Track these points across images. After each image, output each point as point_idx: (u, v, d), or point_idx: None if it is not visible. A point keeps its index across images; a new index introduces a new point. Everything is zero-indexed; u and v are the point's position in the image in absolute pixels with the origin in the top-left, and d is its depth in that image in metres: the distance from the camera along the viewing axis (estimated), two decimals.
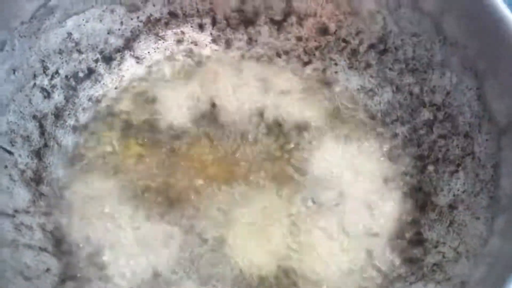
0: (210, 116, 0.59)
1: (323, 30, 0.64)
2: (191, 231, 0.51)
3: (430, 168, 0.54)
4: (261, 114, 0.60)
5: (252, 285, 0.49)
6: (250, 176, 0.55)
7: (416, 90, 0.58)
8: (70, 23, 0.58)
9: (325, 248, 0.51)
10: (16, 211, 0.49)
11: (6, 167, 0.51)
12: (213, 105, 0.60)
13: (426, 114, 0.57)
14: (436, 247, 0.48)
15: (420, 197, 0.53)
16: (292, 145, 0.58)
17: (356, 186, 0.56)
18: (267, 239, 0.51)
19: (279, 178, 0.55)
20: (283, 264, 0.50)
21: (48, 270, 0.47)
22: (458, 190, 0.50)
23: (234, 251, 0.50)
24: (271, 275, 0.49)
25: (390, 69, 0.60)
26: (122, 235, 0.51)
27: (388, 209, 0.54)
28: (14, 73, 0.54)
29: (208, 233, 0.51)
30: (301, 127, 0.59)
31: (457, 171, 0.52)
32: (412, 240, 0.51)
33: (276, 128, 0.59)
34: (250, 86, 0.62)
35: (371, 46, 0.61)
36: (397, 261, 0.50)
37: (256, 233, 0.52)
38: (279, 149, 0.57)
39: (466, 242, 0.46)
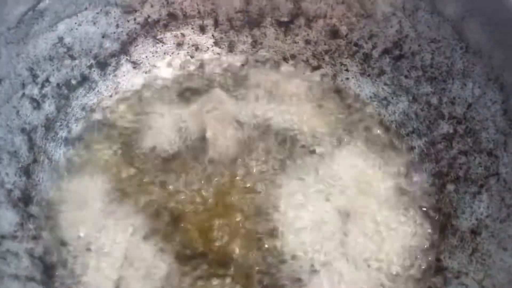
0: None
1: (334, 33, 0.59)
2: None
3: (450, 187, 0.50)
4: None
5: None
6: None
7: (434, 100, 0.54)
8: (61, 27, 0.54)
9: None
10: (2, 237, 0.45)
11: None
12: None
13: (445, 127, 0.53)
14: (457, 277, 0.45)
15: (439, 219, 0.50)
16: (299, 162, 0.54)
17: (368, 202, 0.52)
18: None
19: None
20: None
21: None
22: (482, 214, 0.46)
23: None
24: None
25: (406, 76, 0.56)
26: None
27: (404, 229, 0.50)
28: (0, 83, 0.49)
29: None
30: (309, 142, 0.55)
31: (480, 192, 0.48)
32: (431, 267, 0.47)
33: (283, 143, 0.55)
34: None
35: (386, 51, 0.57)
36: None
37: None
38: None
39: (492, 275, 0.42)
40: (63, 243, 0.48)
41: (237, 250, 0.48)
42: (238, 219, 0.50)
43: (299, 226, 0.49)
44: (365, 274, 0.47)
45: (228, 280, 0.47)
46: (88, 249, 0.48)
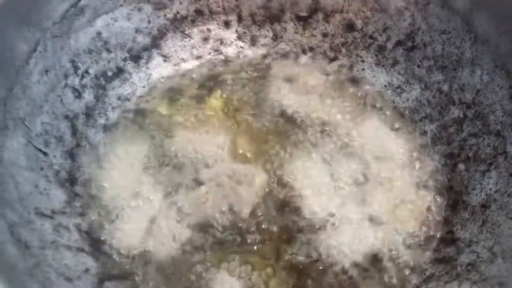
0: None
1: (350, 27, 0.63)
2: None
3: (461, 166, 0.54)
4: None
5: None
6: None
7: (445, 87, 0.58)
8: (99, 22, 0.58)
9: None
10: (53, 212, 0.50)
11: (42, 168, 0.51)
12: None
13: (455, 112, 0.57)
14: (469, 246, 0.49)
15: (451, 196, 0.54)
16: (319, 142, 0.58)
17: (385, 182, 0.56)
18: None
19: None
20: None
21: (87, 270, 0.47)
22: (491, 190, 0.50)
23: None
24: None
25: (418, 66, 0.60)
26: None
27: (419, 207, 0.54)
28: (46, 74, 0.54)
29: None
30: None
31: (489, 170, 0.52)
32: (444, 239, 0.51)
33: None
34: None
35: (399, 43, 0.61)
36: (431, 260, 0.50)
37: None
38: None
39: (501, 242, 0.46)
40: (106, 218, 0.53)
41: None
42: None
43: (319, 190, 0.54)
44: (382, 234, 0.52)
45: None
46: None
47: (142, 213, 0.52)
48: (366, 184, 0.55)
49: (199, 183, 0.54)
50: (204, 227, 0.52)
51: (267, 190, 0.54)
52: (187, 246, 0.51)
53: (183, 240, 0.51)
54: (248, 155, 0.57)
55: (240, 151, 0.57)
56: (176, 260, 0.50)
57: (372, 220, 0.53)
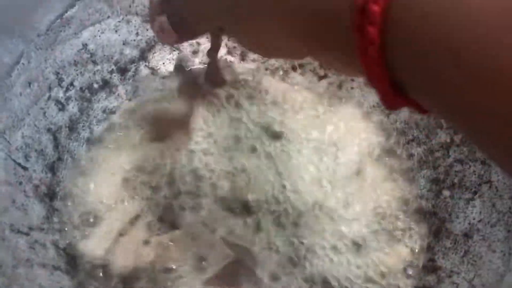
0: None
1: None
2: None
3: (446, 193, 0.54)
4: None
5: None
6: None
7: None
8: (85, 34, 0.58)
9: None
10: (30, 228, 0.49)
11: (21, 183, 0.51)
12: None
13: (442, 136, 0.56)
14: (450, 276, 0.48)
15: (435, 223, 0.53)
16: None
17: (369, 205, 0.55)
18: None
19: None
20: None
21: None
22: (474, 219, 0.50)
23: None
24: None
25: None
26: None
27: (401, 231, 0.54)
28: (29, 86, 0.53)
29: None
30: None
31: (473, 198, 0.51)
32: (425, 267, 0.51)
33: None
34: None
35: None
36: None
37: None
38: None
39: (482, 275, 0.46)
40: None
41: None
42: None
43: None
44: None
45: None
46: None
47: (119, 228, 0.52)
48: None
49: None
50: None
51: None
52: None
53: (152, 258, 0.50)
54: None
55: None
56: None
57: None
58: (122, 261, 0.50)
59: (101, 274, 0.50)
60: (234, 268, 0.50)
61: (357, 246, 0.52)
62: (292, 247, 0.52)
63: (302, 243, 0.52)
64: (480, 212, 0.50)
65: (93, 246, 0.51)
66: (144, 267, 0.50)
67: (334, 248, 0.52)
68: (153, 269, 0.49)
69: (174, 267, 0.50)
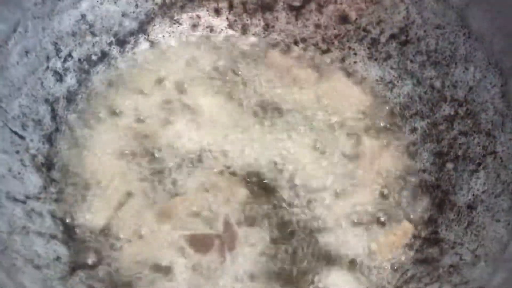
0: None
1: (343, 18, 0.62)
2: None
3: (450, 165, 0.53)
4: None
5: None
6: None
7: (437, 84, 0.56)
8: (84, 4, 0.57)
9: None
10: (27, 197, 0.48)
11: (17, 152, 0.50)
12: None
13: (446, 109, 0.55)
14: (453, 248, 0.47)
15: (438, 195, 0.52)
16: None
17: (372, 179, 0.54)
18: None
19: None
20: None
21: (58, 258, 0.46)
22: (478, 190, 0.49)
23: None
24: None
25: (411, 61, 0.59)
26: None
27: (404, 205, 0.53)
28: (26, 55, 0.52)
29: None
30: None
31: (477, 170, 0.50)
32: (428, 239, 0.50)
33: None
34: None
35: (392, 37, 0.60)
36: (412, 260, 0.49)
37: None
38: None
39: (485, 245, 0.45)
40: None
41: None
42: None
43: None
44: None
45: None
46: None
47: (117, 199, 0.51)
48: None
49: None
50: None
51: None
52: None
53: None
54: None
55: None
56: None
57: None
58: (121, 230, 0.50)
59: (99, 244, 0.49)
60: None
61: (360, 221, 0.52)
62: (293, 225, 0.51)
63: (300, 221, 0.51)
64: (484, 183, 0.49)
65: (91, 216, 0.51)
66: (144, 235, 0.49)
67: (338, 224, 0.51)
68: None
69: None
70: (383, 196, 0.54)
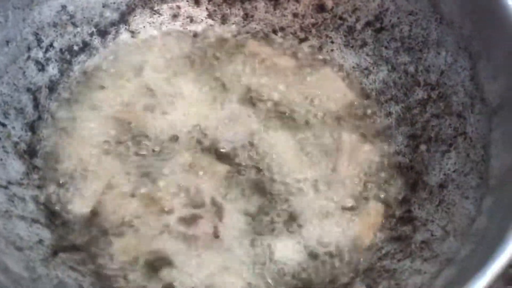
0: None
1: (320, 7, 0.63)
2: None
3: (423, 147, 0.54)
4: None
5: None
6: None
7: (411, 69, 0.58)
8: None
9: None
10: (9, 182, 0.49)
11: None
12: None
13: (420, 93, 0.57)
14: (425, 225, 0.49)
15: (411, 176, 0.54)
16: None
17: (347, 164, 0.56)
18: None
19: None
20: None
21: (40, 241, 0.47)
22: (449, 170, 0.51)
23: None
24: None
25: (386, 47, 0.60)
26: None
27: (379, 186, 0.54)
28: (7, 44, 0.53)
29: None
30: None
31: (449, 150, 0.52)
32: (402, 218, 0.51)
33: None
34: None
35: (368, 24, 0.61)
36: (387, 239, 0.50)
37: None
38: None
39: (454, 221, 0.46)
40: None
41: None
42: None
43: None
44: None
45: None
46: None
47: (100, 186, 0.52)
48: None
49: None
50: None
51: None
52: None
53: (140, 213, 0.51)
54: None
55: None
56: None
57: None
58: (105, 216, 0.51)
59: (82, 229, 0.50)
60: None
61: (337, 203, 0.53)
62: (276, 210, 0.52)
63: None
64: (455, 163, 0.50)
65: (75, 204, 0.52)
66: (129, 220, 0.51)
67: (322, 213, 0.53)
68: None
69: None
70: (359, 177, 0.55)
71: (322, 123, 0.58)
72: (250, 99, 0.60)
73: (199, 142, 0.55)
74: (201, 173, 0.54)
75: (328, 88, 0.61)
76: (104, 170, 0.54)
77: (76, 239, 0.49)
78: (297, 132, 0.57)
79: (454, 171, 0.50)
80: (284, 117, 0.59)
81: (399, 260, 0.47)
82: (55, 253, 0.47)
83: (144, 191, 0.53)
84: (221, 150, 0.55)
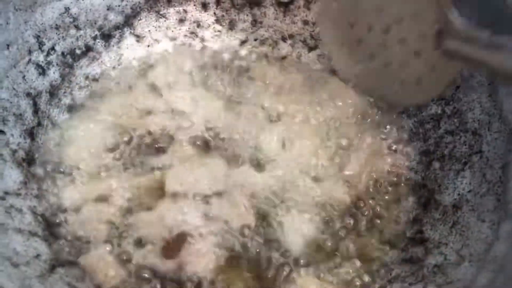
0: None
1: None
2: None
3: (436, 164, 0.53)
4: None
5: None
6: None
7: None
8: None
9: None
10: (6, 193, 0.47)
11: None
12: None
13: (433, 108, 0.55)
14: (438, 247, 0.47)
15: (423, 194, 0.52)
16: None
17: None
18: None
19: None
20: None
21: (38, 256, 0.45)
22: (464, 190, 0.49)
23: None
24: None
25: None
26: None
27: (389, 204, 0.52)
28: (8, 48, 0.51)
29: None
30: None
31: (463, 169, 0.50)
32: (413, 239, 0.50)
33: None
34: None
35: None
36: (397, 260, 0.48)
37: None
38: None
39: (470, 245, 0.45)
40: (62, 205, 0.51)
41: None
42: None
43: None
44: None
45: None
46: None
47: (100, 194, 0.50)
48: None
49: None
50: None
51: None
52: None
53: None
54: None
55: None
56: None
57: None
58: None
59: (81, 242, 0.48)
60: None
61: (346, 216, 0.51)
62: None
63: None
64: (470, 183, 0.49)
65: (75, 211, 0.50)
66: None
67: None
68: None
69: None
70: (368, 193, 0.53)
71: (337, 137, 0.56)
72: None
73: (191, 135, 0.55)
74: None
75: (338, 99, 0.59)
76: (102, 179, 0.52)
77: (75, 253, 0.47)
78: None
79: (469, 191, 0.48)
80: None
81: (410, 284, 0.46)
82: (52, 268, 0.45)
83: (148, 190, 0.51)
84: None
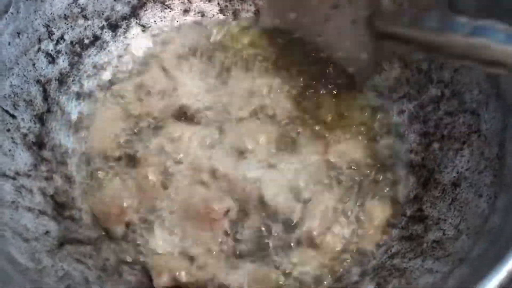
0: None
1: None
2: None
3: (435, 145, 0.53)
4: None
5: None
6: None
7: (424, 66, 0.57)
8: None
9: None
10: (17, 173, 0.49)
11: (8, 130, 0.51)
12: None
13: (433, 91, 0.56)
14: (437, 224, 0.48)
15: (423, 174, 0.53)
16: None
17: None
18: None
19: None
20: None
21: (47, 233, 0.47)
22: (462, 168, 0.50)
23: None
24: None
25: None
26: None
27: (390, 184, 0.53)
28: (18, 36, 0.53)
29: None
30: None
31: (462, 148, 0.51)
32: (413, 217, 0.50)
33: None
34: None
35: None
36: (397, 237, 0.49)
37: None
38: None
39: (467, 219, 0.45)
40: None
41: None
42: None
43: None
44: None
45: None
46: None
47: (111, 183, 0.52)
48: None
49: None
50: None
51: None
52: None
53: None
54: None
55: None
56: None
57: None
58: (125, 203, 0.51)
59: (89, 222, 0.50)
60: None
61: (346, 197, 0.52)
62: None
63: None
64: (468, 161, 0.49)
65: (83, 195, 0.52)
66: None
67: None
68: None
69: None
70: (370, 174, 0.54)
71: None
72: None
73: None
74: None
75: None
76: (112, 165, 0.54)
77: (83, 233, 0.49)
78: None
79: (467, 169, 0.49)
80: None
81: (410, 259, 0.47)
82: (61, 245, 0.47)
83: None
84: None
